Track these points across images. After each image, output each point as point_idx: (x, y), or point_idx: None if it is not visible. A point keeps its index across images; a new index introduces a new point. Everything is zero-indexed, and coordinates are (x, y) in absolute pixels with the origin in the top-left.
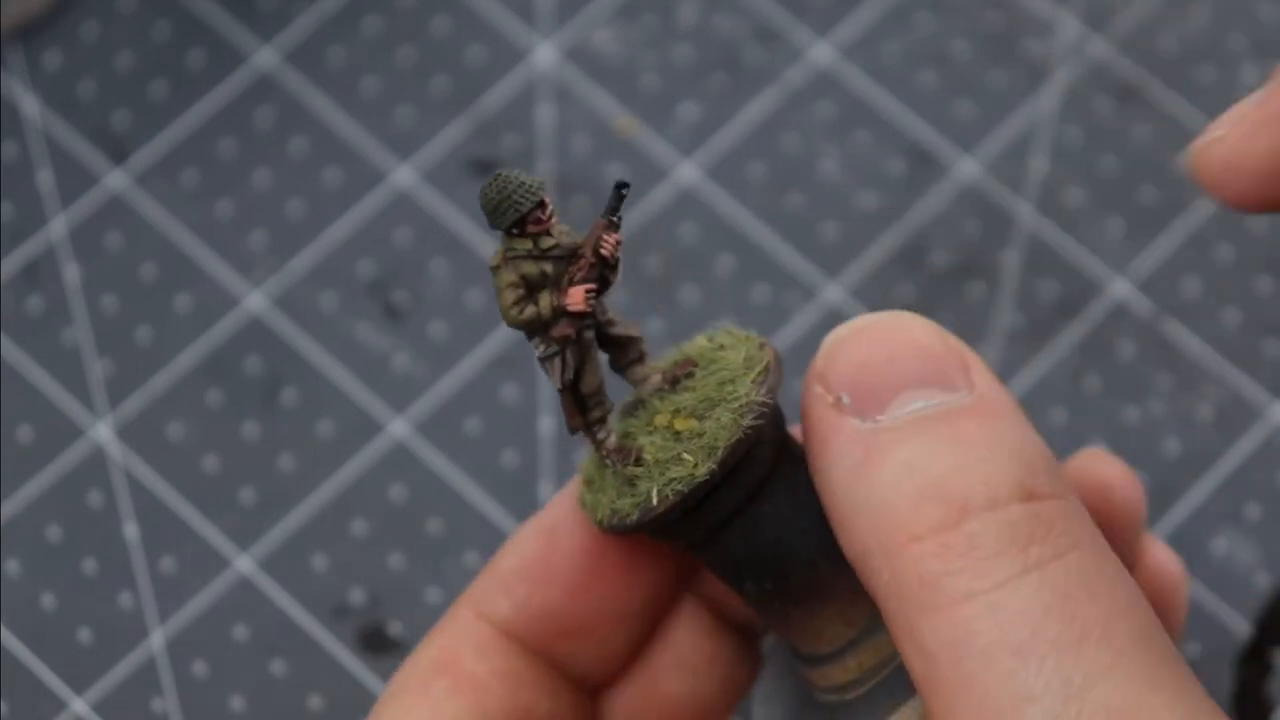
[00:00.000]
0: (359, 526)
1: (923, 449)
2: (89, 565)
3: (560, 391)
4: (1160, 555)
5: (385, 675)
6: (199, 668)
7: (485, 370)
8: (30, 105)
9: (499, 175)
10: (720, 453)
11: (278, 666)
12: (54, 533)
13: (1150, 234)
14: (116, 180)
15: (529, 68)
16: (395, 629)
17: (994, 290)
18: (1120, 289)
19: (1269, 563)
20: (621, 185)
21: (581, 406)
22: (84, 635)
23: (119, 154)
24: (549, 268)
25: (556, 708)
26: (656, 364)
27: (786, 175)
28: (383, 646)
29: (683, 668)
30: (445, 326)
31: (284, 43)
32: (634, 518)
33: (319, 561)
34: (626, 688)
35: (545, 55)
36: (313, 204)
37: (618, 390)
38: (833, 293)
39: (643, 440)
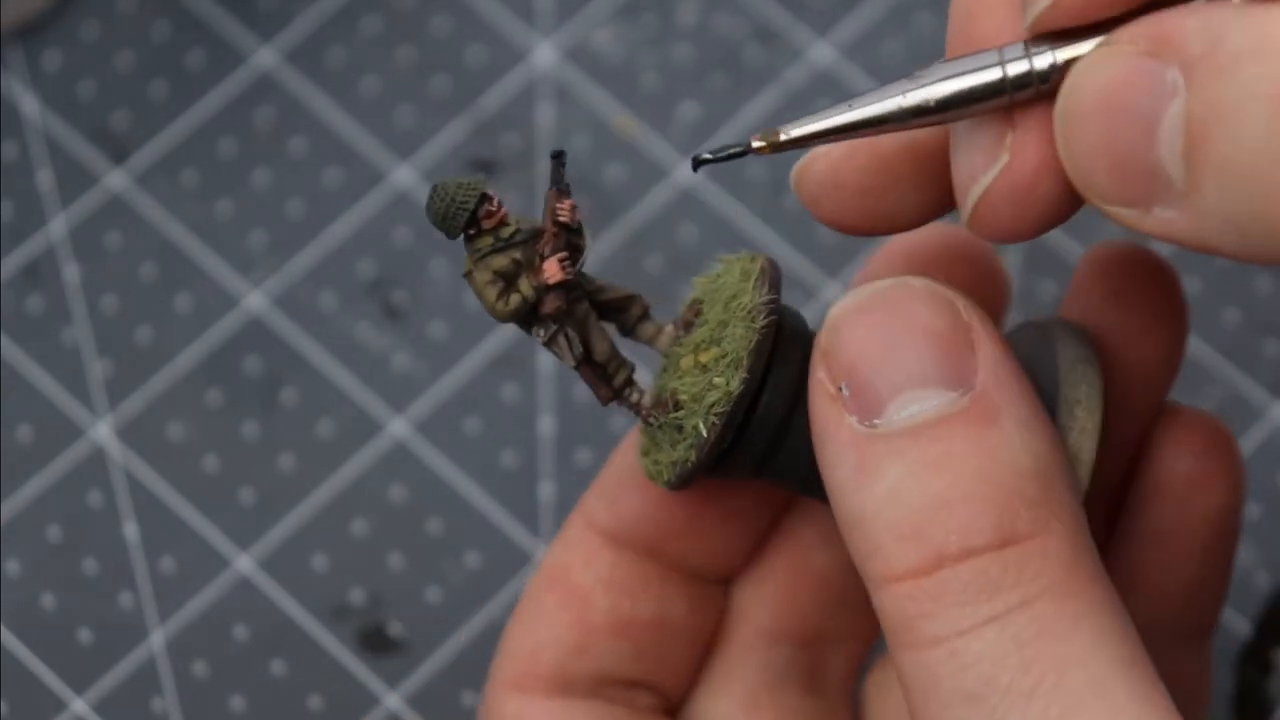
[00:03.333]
0: (359, 526)
1: (910, 472)
2: (89, 565)
3: (577, 369)
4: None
5: (385, 675)
6: (199, 668)
7: (485, 370)
8: (30, 105)
9: (435, 187)
10: (745, 360)
11: (278, 666)
12: (54, 533)
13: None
14: (116, 180)
15: (529, 68)
16: (395, 629)
17: None
18: None
19: (1269, 563)
20: (557, 154)
21: (603, 376)
22: (84, 635)
23: (119, 154)
24: (518, 254)
25: (666, 609)
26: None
27: (786, 175)
28: (383, 646)
29: (826, 539)
30: (445, 326)
31: (284, 43)
32: (692, 458)
33: (319, 561)
34: (772, 574)
35: (545, 55)
36: (313, 204)
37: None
38: (833, 293)
39: (674, 384)
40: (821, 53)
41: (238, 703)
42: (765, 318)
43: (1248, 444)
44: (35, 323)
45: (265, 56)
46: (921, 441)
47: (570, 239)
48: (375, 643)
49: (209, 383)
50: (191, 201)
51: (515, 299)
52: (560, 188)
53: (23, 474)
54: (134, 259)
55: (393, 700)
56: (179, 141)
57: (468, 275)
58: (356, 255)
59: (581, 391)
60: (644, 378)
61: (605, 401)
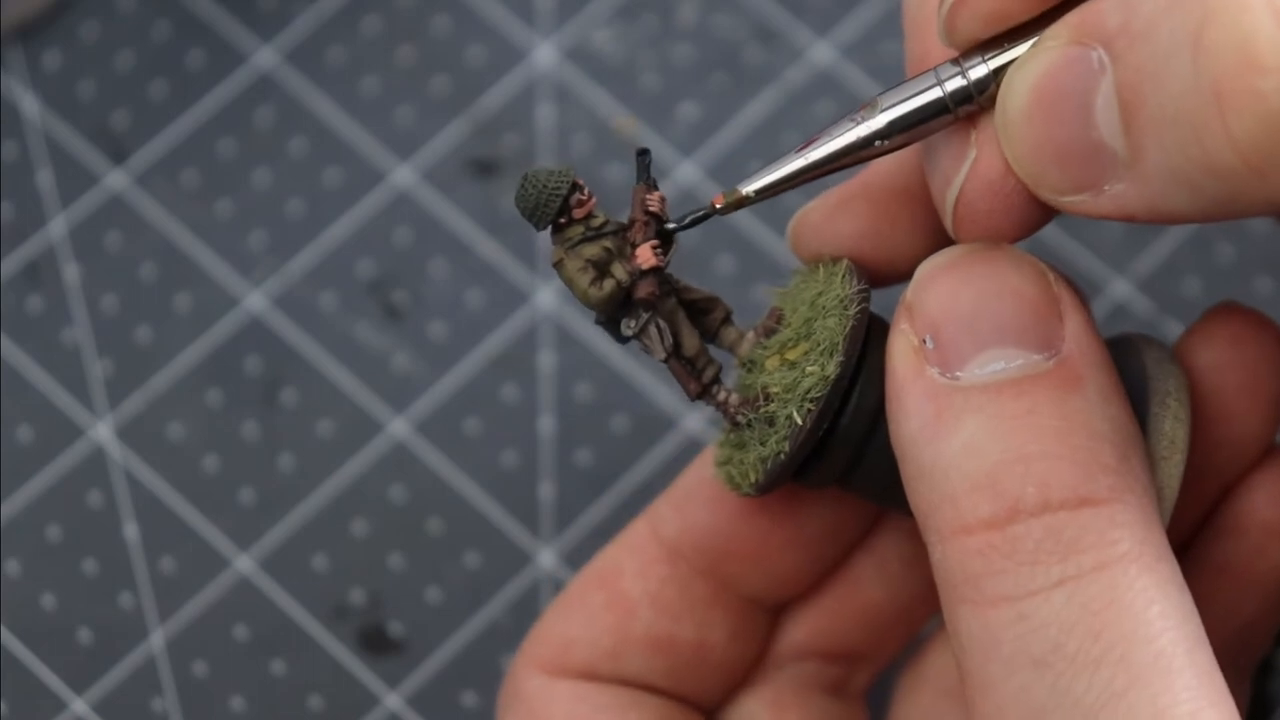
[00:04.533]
0: (359, 526)
1: (990, 426)
2: (89, 565)
3: (666, 361)
4: None
5: (385, 675)
6: (199, 668)
7: (485, 370)
8: (30, 105)
9: (526, 176)
10: (842, 345)
11: (278, 666)
12: (54, 533)
13: (1150, 234)
14: (116, 180)
15: (529, 68)
16: (395, 629)
17: None
18: (1120, 289)
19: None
20: (642, 152)
21: (693, 371)
22: (84, 635)
23: (119, 154)
24: (608, 243)
25: (705, 635)
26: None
27: None
28: (383, 646)
29: (882, 572)
30: (445, 326)
31: (284, 43)
32: (785, 449)
33: (319, 561)
34: (819, 600)
35: (545, 55)
36: (313, 204)
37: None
38: None
39: (763, 381)
40: (821, 53)
41: (238, 703)
42: (858, 305)
43: None
44: (35, 323)
45: (265, 56)
46: (1004, 397)
47: (660, 229)
48: (375, 643)
49: (209, 383)
50: (191, 201)
51: (609, 284)
52: (648, 182)
53: (23, 474)
54: (134, 259)
55: (393, 700)
56: (179, 141)
57: (558, 264)
58: (356, 255)
59: (581, 391)
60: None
61: (694, 396)
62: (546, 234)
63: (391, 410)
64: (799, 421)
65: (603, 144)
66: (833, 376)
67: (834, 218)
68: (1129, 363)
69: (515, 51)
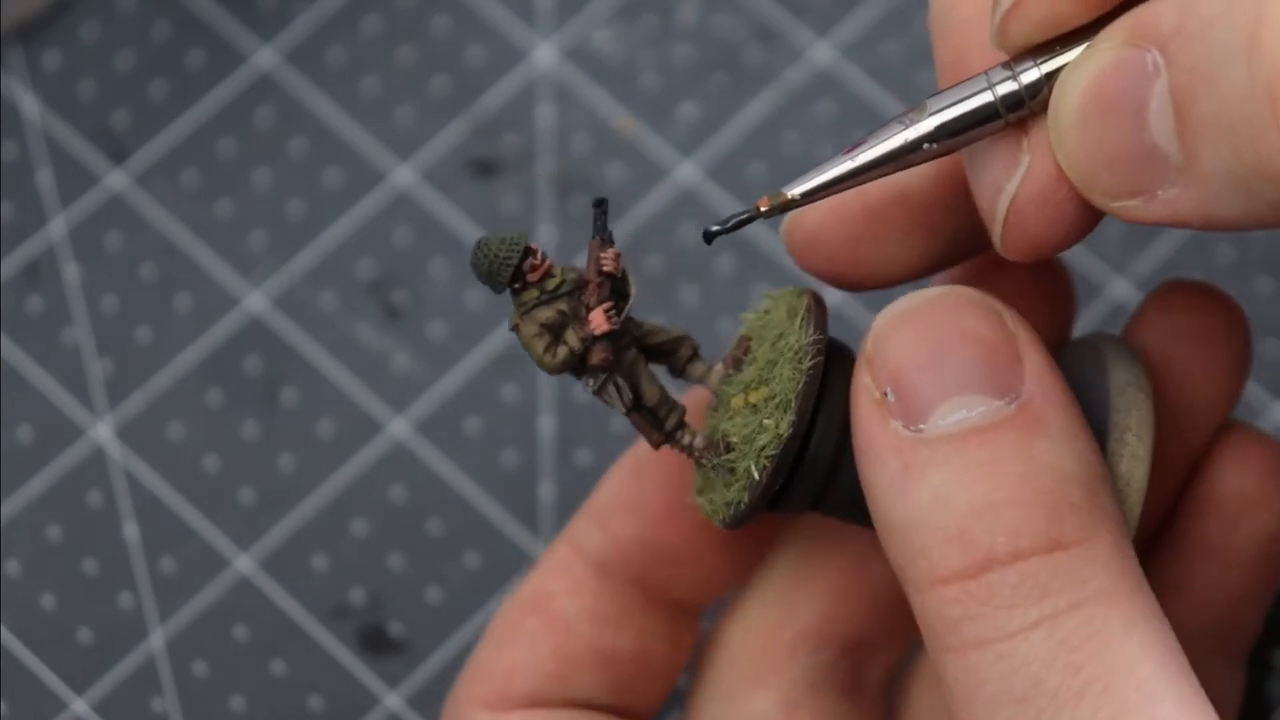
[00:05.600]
0: (359, 526)
1: (956, 478)
2: (89, 565)
3: (627, 415)
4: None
5: (385, 675)
6: (199, 668)
7: (485, 370)
8: (30, 105)
9: (479, 243)
10: (794, 403)
11: (278, 666)
12: (54, 533)
13: (1150, 234)
14: (116, 180)
15: (529, 68)
16: (395, 629)
17: None
18: (1120, 289)
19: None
20: (598, 202)
21: (654, 421)
22: (84, 635)
23: (119, 154)
24: (563, 305)
25: (646, 644)
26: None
27: (786, 175)
28: (383, 646)
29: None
30: (445, 326)
31: (284, 43)
32: (745, 500)
33: (319, 561)
34: (824, 571)
35: (545, 55)
36: (313, 204)
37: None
38: (833, 293)
39: (725, 426)
40: (821, 53)
41: (238, 703)
42: (811, 359)
43: None
44: (35, 323)
45: (265, 56)
46: (968, 447)
47: (615, 286)
48: (375, 643)
49: (209, 383)
50: (191, 201)
51: (563, 351)
52: (604, 237)
53: (23, 474)
54: (134, 259)
55: (393, 700)
56: (179, 141)
57: (515, 328)
58: (356, 255)
59: (581, 391)
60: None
61: (656, 446)
62: (549, 231)
63: (391, 410)
64: (755, 476)
65: (603, 144)
66: (785, 436)
67: (827, 221)
68: (1094, 384)
69: (515, 51)
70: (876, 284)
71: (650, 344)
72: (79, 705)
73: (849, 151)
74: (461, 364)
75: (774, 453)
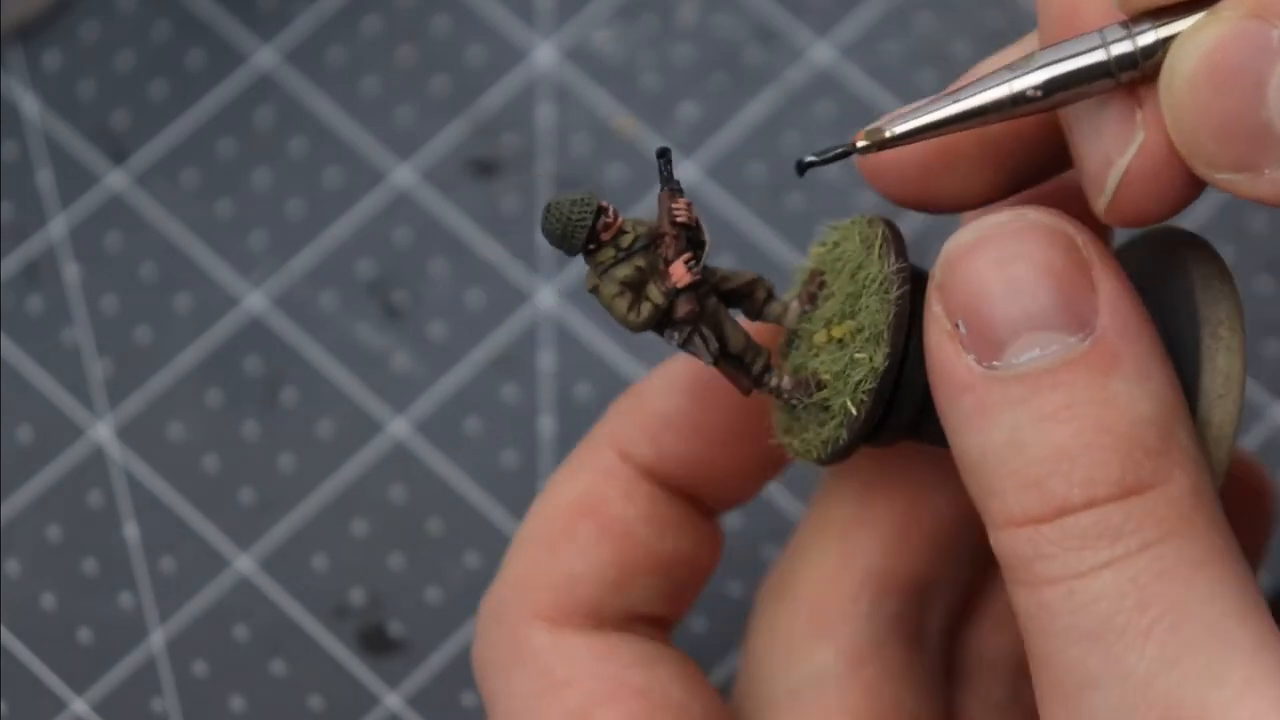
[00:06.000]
0: (359, 526)
1: (1030, 421)
2: (89, 565)
3: (715, 364)
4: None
5: (385, 675)
6: (199, 668)
7: (485, 370)
8: (30, 105)
9: (549, 207)
10: (887, 335)
11: (278, 666)
12: (54, 533)
13: None
14: (116, 180)
15: (529, 68)
16: (395, 629)
17: None
18: None
19: (1269, 563)
20: (662, 152)
21: (742, 366)
22: (84, 635)
23: (119, 154)
24: (640, 261)
25: (697, 550)
26: (790, 293)
27: (786, 175)
28: (383, 646)
29: (944, 480)
30: (445, 326)
31: (284, 43)
32: (844, 437)
33: (319, 561)
34: (883, 511)
35: (545, 55)
36: (313, 204)
37: None
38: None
39: (813, 364)
40: (821, 53)
41: (238, 703)
42: (898, 288)
43: (1248, 444)
44: (35, 323)
45: (265, 56)
46: (1042, 390)
47: (690, 235)
48: (375, 643)
49: (209, 383)
50: (191, 201)
51: (647, 308)
52: (673, 187)
53: (23, 474)
54: (134, 259)
55: (393, 700)
56: (179, 141)
57: (594, 290)
58: (356, 255)
59: (581, 391)
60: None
61: (746, 392)
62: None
63: (391, 410)
64: (853, 411)
65: (603, 144)
66: (881, 369)
67: (902, 148)
68: (1174, 283)
69: (515, 51)
70: (947, 209)
71: (726, 289)
72: (79, 705)
73: (951, 93)
74: (461, 364)
75: (871, 386)
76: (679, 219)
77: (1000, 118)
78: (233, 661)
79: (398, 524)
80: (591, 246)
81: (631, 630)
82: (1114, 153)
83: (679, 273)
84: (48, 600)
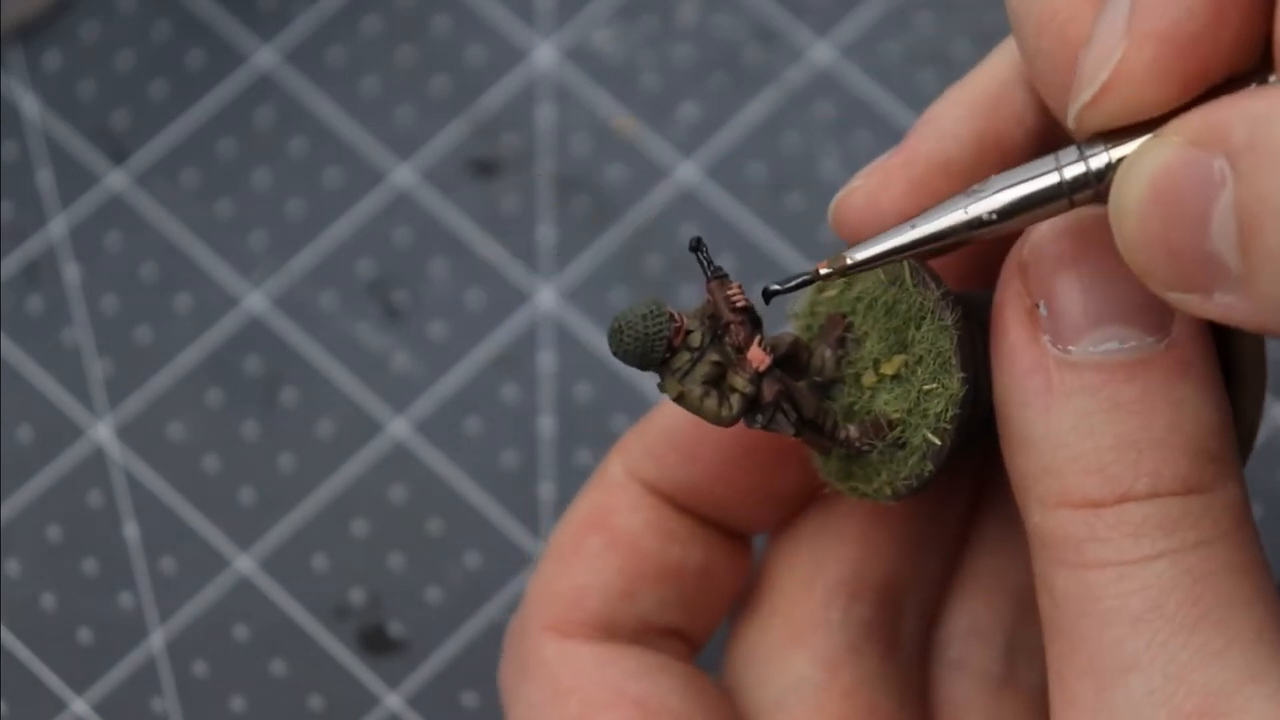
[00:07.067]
0: (359, 526)
1: (1103, 410)
2: (89, 565)
3: (797, 435)
4: None
5: (385, 675)
6: (199, 668)
7: (485, 370)
8: (30, 105)
9: (619, 328)
10: (955, 359)
11: (278, 666)
12: (54, 533)
13: None
14: (116, 180)
15: (529, 68)
16: (395, 629)
17: None
18: None
19: (1269, 563)
20: (696, 244)
21: (817, 429)
22: (84, 635)
23: (119, 154)
24: (715, 356)
25: (711, 558)
26: (810, 345)
27: (786, 175)
28: (383, 646)
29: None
30: (445, 326)
31: (284, 43)
32: (929, 467)
33: (319, 561)
34: (844, 517)
35: (545, 55)
36: (313, 204)
37: None
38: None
39: (876, 406)
40: (821, 53)
41: (238, 703)
42: (953, 312)
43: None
44: (35, 323)
45: (265, 56)
46: (1116, 380)
47: (750, 316)
48: (375, 643)
49: (209, 383)
50: (191, 201)
51: (738, 400)
52: (719, 274)
53: (23, 474)
54: (134, 259)
55: (393, 700)
56: (179, 141)
57: (680, 397)
58: (356, 255)
59: (581, 391)
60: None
61: (826, 453)
62: (549, 232)
63: (391, 410)
64: (936, 442)
65: (603, 144)
66: (959, 392)
67: (877, 197)
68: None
69: (515, 51)
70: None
71: (779, 357)
72: (79, 705)
73: (912, 220)
74: (461, 364)
75: (955, 412)
76: (739, 304)
77: (957, 241)
78: (233, 661)
79: (398, 524)
80: (667, 355)
81: (645, 643)
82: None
83: (758, 356)
84: (48, 600)
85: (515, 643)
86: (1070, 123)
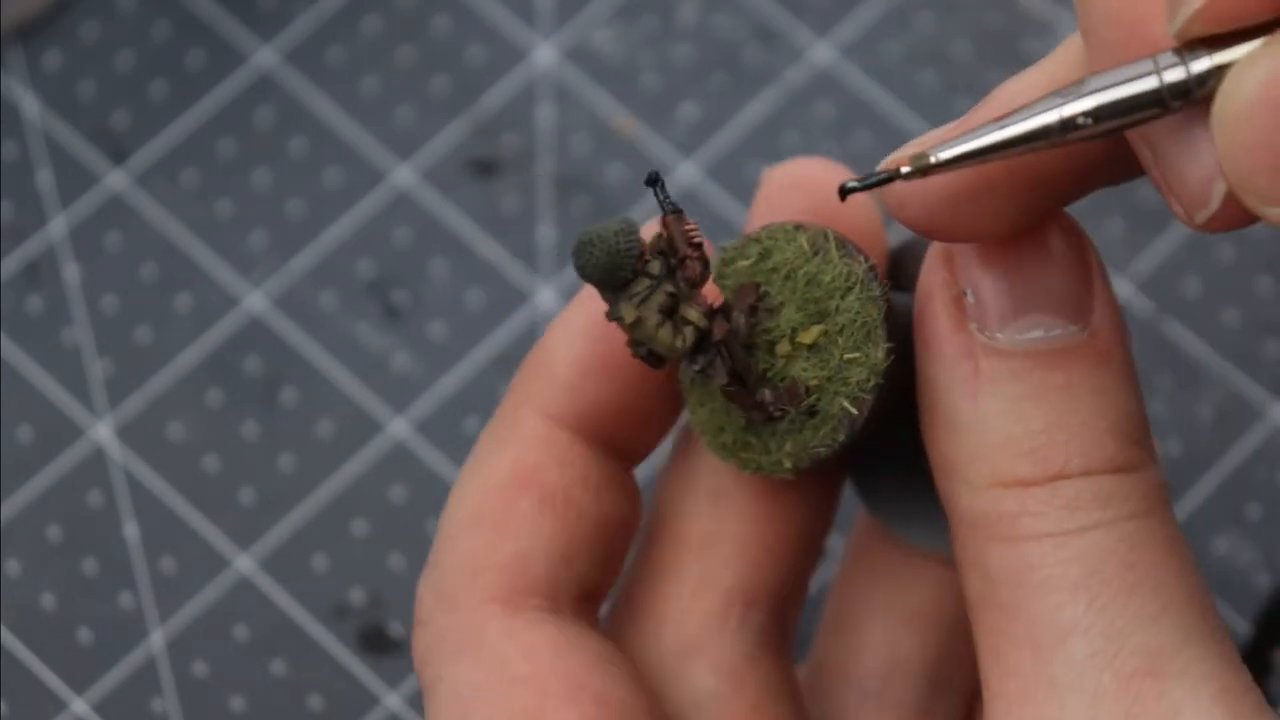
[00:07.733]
0: (359, 526)
1: (1031, 394)
2: (89, 565)
3: (725, 386)
4: None
5: (385, 675)
6: (199, 668)
7: (485, 370)
8: (30, 105)
9: (589, 240)
10: (881, 328)
11: (278, 666)
12: (54, 533)
13: (1150, 234)
14: (116, 180)
15: (529, 68)
16: (395, 629)
17: None
18: (1120, 289)
19: (1269, 563)
20: (653, 180)
21: (742, 383)
22: (84, 635)
23: (119, 154)
24: (669, 287)
25: (628, 510)
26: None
27: None
28: (383, 646)
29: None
30: (445, 326)
31: (284, 43)
32: (840, 437)
33: (319, 561)
34: (735, 529)
35: (545, 55)
36: (313, 204)
37: None
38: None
39: (793, 372)
40: (821, 53)
41: (238, 703)
42: (879, 283)
43: (1248, 444)
44: (35, 323)
45: (265, 56)
46: (1042, 367)
47: (701, 255)
48: (375, 643)
49: (209, 383)
50: (191, 201)
51: (690, 332)
52: (676, 209)
53: (23, 474)
54: (134, 259)
55: (393, 700)
56: (179, 141)
57: (636, 324)
58: (356, 255)
59: None
60: None
61: (748, 410)
62: (549, 232)
63: (391, 410)
64: (854, 411)
65: (603, 144)
66: (883, 363)
67: (929, 176)
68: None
69: (515, 51)
70: (969, 238)
71: (723, 305)
72: (79, 705)
73: (999, 119)
74: (461, 364)
75: (878, 380)
76: (695, 240)
77: (1047, 145)
78: (233, 661)
79: (398, 524)
80: (629, 277)
81: (581, 610)
82: (1215, 173)
83: (713, 294)
84: (48, 600)
85: (445, 616)
86: (1174, 27)
